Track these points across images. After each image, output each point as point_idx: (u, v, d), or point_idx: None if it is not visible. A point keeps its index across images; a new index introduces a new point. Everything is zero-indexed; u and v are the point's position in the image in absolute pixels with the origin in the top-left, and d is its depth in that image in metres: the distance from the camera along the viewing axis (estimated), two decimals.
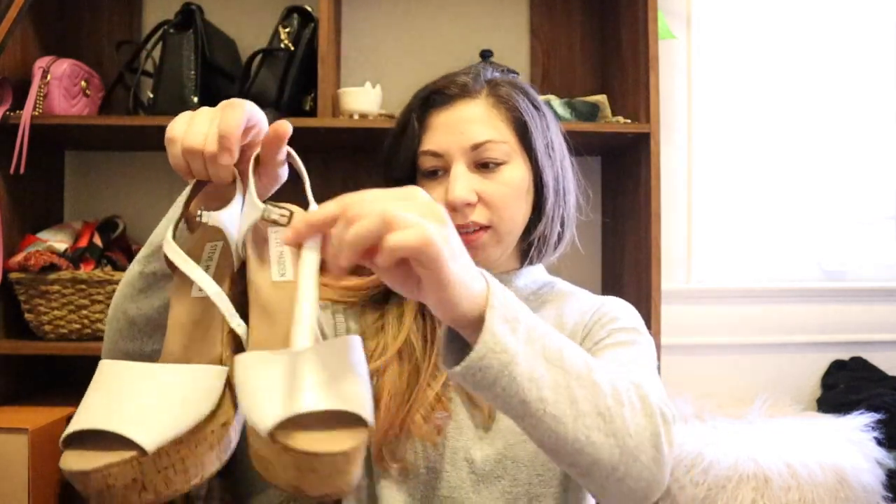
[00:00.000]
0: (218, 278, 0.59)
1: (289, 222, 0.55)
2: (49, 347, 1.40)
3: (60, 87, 1.41)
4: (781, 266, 1.87)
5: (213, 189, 0.62)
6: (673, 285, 1.78)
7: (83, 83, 1.47)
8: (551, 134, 0.88)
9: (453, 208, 0.80)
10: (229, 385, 0.54)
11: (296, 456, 0.44)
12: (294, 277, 0.58)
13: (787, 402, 1.75)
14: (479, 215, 0.82)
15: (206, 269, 0.60)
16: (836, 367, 1.83)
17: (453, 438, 0.81)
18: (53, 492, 1.32)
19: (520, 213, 0.85)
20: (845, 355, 1.84)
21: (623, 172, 1.59)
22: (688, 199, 1.83)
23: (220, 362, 0.55)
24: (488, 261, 0.84)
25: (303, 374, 0.47)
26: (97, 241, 1.46)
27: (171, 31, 1.44)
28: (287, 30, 1.44)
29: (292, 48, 1.43)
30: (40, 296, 1.39)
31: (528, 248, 0.88)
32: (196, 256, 0.59)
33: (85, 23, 1.67)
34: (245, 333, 0.55)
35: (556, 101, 1.50)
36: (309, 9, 1.46)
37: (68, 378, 1.64)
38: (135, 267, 0.68)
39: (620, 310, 0.88)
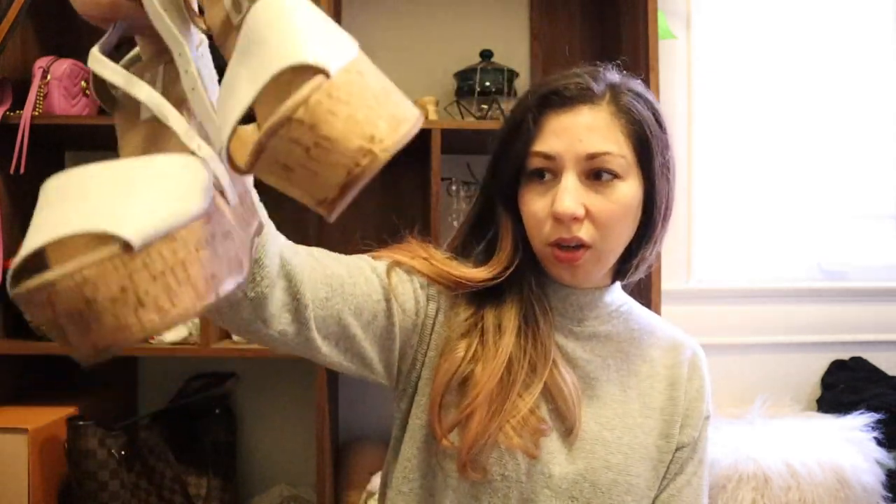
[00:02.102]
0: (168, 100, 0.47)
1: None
2: (49, 347, 1.40)
3: (60, 87, 1.41)
4: (781, 266, 1.87)
5: None
6: (673, 285, 1.78)
7: (83, 83, 1.47)
8: (669, 154, 0.83)
9: (559, 220, 0.76)
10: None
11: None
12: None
13: (787, 402, 1.75)
14: (584, 232, 0.76)
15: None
16: (836, 367, 1.83)
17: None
18: (53, 492, 1.32)
19: (625, 232, 0.80)
20: (845, 355, 1.84)
21: None
22: (688, 200, 1.83)
23: None
24: (587, 277, 0.81)
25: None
26: None
27: None
28: None
29: None
30: None
31: (624, 266, 0.85)
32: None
33: (85, 23, 1.66)
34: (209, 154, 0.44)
35: None
36: None
37: (68, 378, 1.64)
38: None
39: (708, 379, 0.89)
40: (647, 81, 1.43)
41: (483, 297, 0.83)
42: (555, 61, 1.75)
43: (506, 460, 0.77)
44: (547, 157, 0.78)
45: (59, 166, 1.66)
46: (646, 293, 1.42)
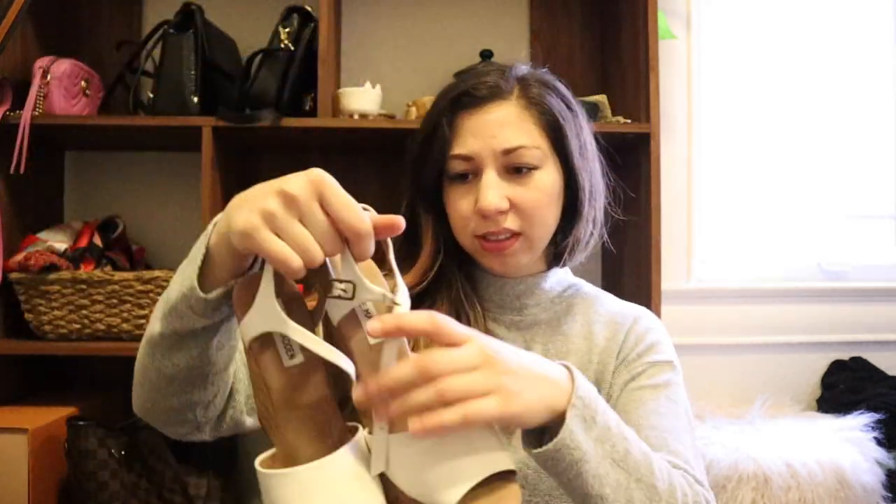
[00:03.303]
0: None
1: (353, 296, 0.54)
2: (49, 347, 1.40)
3: (60, 87, 1.41)
4: (781, 266, 1.87)
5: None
6: (673, 285, 1.78)
7: (83, 83, 1.47)
8: (584, 134, 0.86)
9: (485, 216, 0.79)
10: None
11: None
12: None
13: (787, 402, 1.75)
14: (511, 222, 0.80)
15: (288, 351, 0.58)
16: (836, 367, 1.83)
17: None
18: (53, 492, 1.31)
19: (551, 218, 0.83)
20: (845, 355, 1.84)
21: (623, 172, 1.59)
22: (688, 199, 1.83)
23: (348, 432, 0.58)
24: (518, 266, 0.84)
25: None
26: (97, 241, 1.46)
27: (171, 31, 1.44)
28: (287, 30, 1.44)
29: (292, 48, 1.43)
30: (40, 296, 1.39)
31: (558, 250, 0.87)
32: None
33: (85, 23, 1.67)
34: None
35: None
36: (309, 9, 1.46)
37: (68, 378, 1.64)
38: (155, 327, 0.63)
39: (656, 334, 0.88)
40: (647, 81, 1.43)
41: (421, 300, 0.85)
42: (555, 61, 1.75)
43: None
44: (466, 158, 0.81)
45: (59, 166, 1.66)
46: (646, 293, 1.42)
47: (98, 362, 1.63)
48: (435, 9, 1.75)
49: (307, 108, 1.47)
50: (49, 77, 1.40)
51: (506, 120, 0.80)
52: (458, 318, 0.82)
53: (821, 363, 1.85)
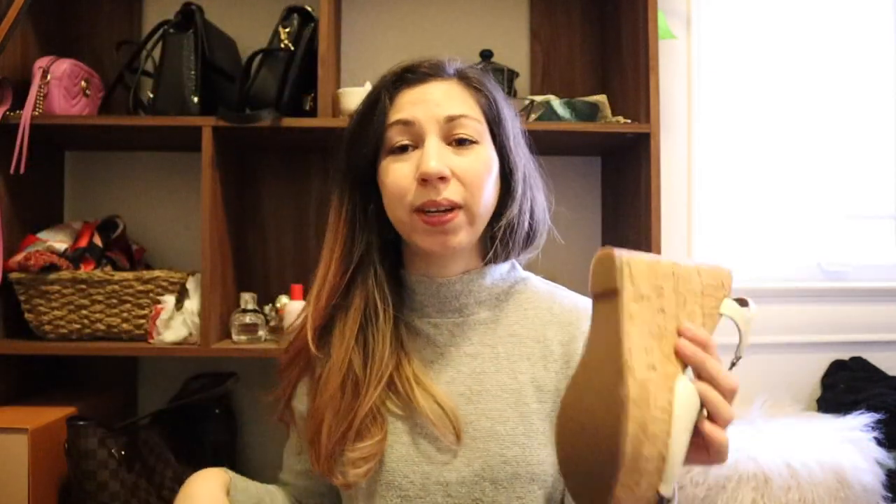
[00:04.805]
0: None
1: None
2: (49, 347, 1.40)
3: (60, 87, 1.41)
4: (781, 266, 1.87)
5: None
6: None
7: (83, 83, 1.47)
8: (518, 125, 0.86)
9: (425, 181, 0.76)
10: None
11: None
12: None
13: (787, 402, 1.75)
14: (452, 192, 0.76)
15: None
16: (836, 367, 1.83)
17: (423, 462, 0.78)
18: (53, 492, 1.31)
19: (490, 195, 0.80)
20: (845, 355, 1.84)
21: (623, 172, 1.59)
22: (688, 200, 1.83)
23: None
24: (460, 245, 0.79)
25: None
26: (97, 241, 1.46)
27: (171, 31, 1.44)
28: (287, 30, 1.44)
29: (292, 48, 1.43)
30: (40, 296, 1.39)
31: (492, 233, 0.84)
32: None
33: (85, 23, 1.67)
34: None
35: (556, 101, 1.50)
36: (309, 9, 1.46)
37: (68, 378, 1.64)
38: None
39: None
40: (647, 81, 1.43)
41: (330, 330, 0.84)
42: (555, 61, 1.75)
43: (399, 480, 0.77)
44: (406, 123, 0.79)
45: (59, 166, 1.66)
46: None
47: (98, 362, 1.63)
48: (435, 9, 1.75)
49: (307, 108, 1.47)
50: (49, 77, 1.40)
51: (448, 92, 0.80)
52: (366, 318, 0.81)
53: (821, 363, 1.85)
